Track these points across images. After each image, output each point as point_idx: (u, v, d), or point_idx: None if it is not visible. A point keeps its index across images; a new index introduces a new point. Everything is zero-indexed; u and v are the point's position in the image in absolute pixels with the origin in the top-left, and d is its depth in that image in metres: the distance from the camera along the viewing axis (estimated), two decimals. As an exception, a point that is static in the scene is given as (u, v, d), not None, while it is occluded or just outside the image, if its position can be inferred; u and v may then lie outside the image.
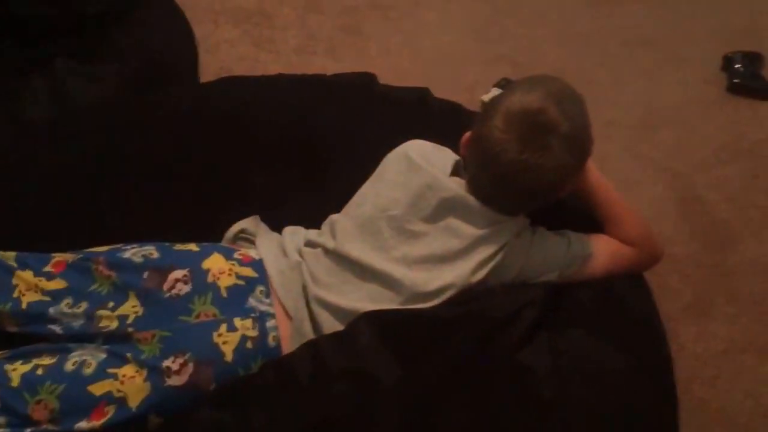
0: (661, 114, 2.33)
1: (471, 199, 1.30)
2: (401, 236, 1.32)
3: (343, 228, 1.36)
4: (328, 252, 1.35)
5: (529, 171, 1.23)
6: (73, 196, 1.52)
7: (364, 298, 1.29)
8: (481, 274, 1.29)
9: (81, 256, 1.31)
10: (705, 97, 2.39)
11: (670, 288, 1.88)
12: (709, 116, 2.33)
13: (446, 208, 1.31)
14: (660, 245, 1.45)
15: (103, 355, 1.20)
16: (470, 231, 1.29)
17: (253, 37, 2.47)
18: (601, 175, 1.40)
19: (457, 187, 1.32)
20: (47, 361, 1.20)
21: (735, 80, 2.40)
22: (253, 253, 1.37)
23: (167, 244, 1.35)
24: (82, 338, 1.24)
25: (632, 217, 1.40)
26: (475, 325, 1.23)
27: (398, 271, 1.29)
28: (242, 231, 1.47)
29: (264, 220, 1.50)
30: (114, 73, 1.85)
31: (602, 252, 1.35)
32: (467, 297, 1.28)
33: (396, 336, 1.21)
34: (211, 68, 2.30)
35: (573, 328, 1.28)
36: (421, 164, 1.34)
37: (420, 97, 1.76)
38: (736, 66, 2.42)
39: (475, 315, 1.24)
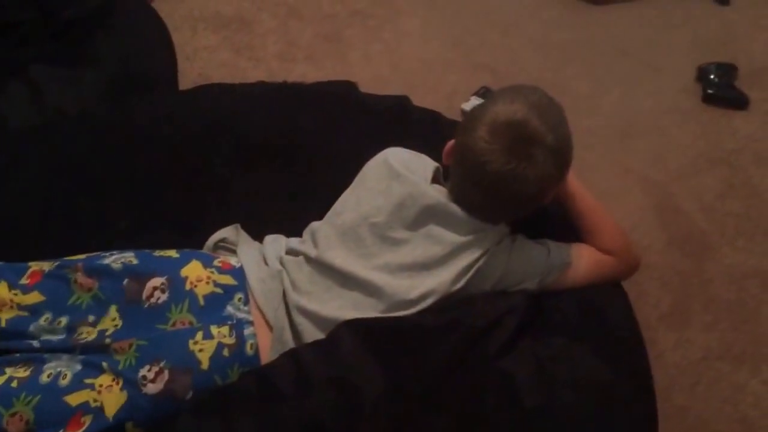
0: (638, 123, 2.35)
1: (453, 207, 1.30)
2: (384, 244, 1.31)
3: (325, 236, 1.35)
4: (310, 260, 1.34)
5: (513, 181, 1.23)
6: (51, 203, 1.51)
7: (345, 306, 1.29)
8: (462, 282, 1.29)
9: (58, 263, 1.29)
10: (681, 107, 2.41)
11: (649, 296, 1.90)
12: (686, 126, 2.35)
13: (428, 215, 1.31)
14: (637, 254, 1.46)
15: (79, 366, 1.19)
16: (452, 238, 1.29)
17: (232, 44, 2.46)
18: (580, 185, 1.41)
19: (438, 194, 1.32)
20: (22, 373, 1.18)
21: (709, 91, 2.42)
22: (233, 261, 1.36)
23: (147, 250, 1.34)
24: (59, 350, 1.22)
25: (610, 227, 1.41)
26: (457, 332, 1.23)
27: (381, 279, 1.29)
28: (222, 240, 1.45)
29: (244, 227, 1.49)
30: (92, 79, 1.83)
31: (581, 261, 1.36)
32: (448, 305, 1.28)
33: (379, 344, 1.20)
34: (190, 75, 2.29)
35: (554, 336, 1.28)
36: (401, 172, 1.34)
37: (399, 104, 1.76)
38: (711, 77, 2.45)
39: (457, 322, 1.24)
